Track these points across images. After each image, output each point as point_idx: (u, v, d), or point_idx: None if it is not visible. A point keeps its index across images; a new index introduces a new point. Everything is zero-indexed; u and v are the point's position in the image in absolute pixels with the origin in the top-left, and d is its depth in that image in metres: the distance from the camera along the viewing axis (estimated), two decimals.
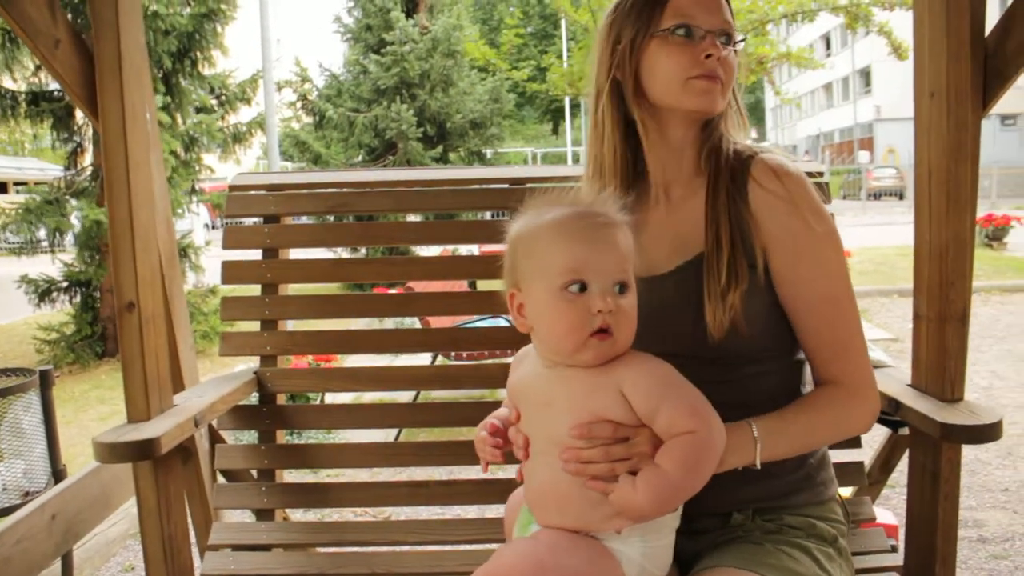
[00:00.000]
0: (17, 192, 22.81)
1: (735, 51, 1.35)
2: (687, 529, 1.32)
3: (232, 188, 2.22)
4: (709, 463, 1.13)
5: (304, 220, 2.52)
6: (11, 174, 26.93)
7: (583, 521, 1.16)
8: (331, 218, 3.40)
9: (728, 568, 1.22)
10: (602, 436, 1.13)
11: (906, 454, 1.80)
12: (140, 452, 1.57)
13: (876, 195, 28.56)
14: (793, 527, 1.31)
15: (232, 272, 2.15)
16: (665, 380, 1.14)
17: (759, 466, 1.23)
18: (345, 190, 2.25)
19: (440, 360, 4.47)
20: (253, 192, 2.20)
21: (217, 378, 2.14)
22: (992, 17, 1.62)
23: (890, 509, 2.86)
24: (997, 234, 13.05)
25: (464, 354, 4.39)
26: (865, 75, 39.31)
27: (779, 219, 1.29)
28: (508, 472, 2.06)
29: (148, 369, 1.71)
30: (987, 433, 1.48)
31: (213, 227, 23.19)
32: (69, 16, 1.79)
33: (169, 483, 1.69)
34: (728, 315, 1.25)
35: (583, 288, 1.12)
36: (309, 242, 2.25)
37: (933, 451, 1.60)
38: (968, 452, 1.76)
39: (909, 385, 1.74)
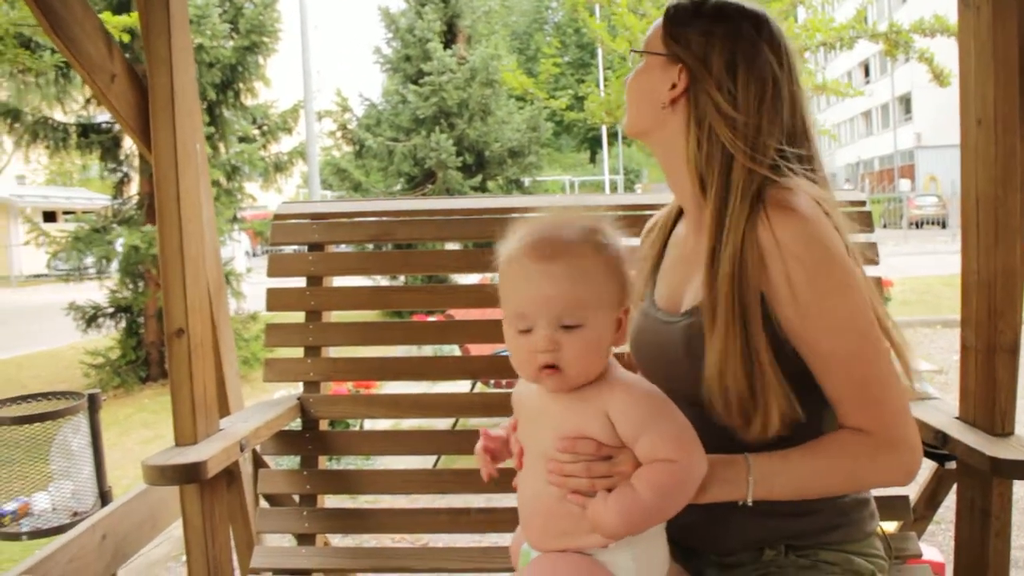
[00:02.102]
0: (66, 220, 23.38)
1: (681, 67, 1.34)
2: (719, 563, 1.31)
3: (277, 217, 2.26)
4: (684, 492, 1.13)
5: (344, 248, 2.54)
6: (60, 203, 27.58)
7: (565, 534, 1.17)
8: (370, 246, 3.43)
9: None
10: (585, 452, 1.13)
11: (953, 489, 1.77)
12: (188, 475, 1.60)
13: (918, 224, 28.18)
14: (829, 563, 1.28)
15: (276, 299, 2.19)
16: (651, 407, 1.15)
17: (751, 503, 1.20)
18: (387, 219, 2.28)
19: (479, 387, 4.48)
20: (298, 221, 2.24)
21: (261, 403, 2.17)
22: None
23: (935, 546, 2.80)
24: None
25: (503, 381, 4.39)
26: (905, 102, 39.00)
27: (778, 269, 1.21)
28: None
29: (196, 393, 1.75)
30: None
31: (254, 255, 23.54)
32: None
33: (215, 506, 1.71)
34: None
35: (529, 329, 1.14)
36: (352, 270, 2.28)
37: (982, 486, 1.57)
38: (1018, 488, 1.71)
39: (957, 418, 1.71)
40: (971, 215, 1.64)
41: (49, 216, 25.71)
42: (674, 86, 1.33)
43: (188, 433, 1.74)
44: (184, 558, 3.61)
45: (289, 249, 2.34)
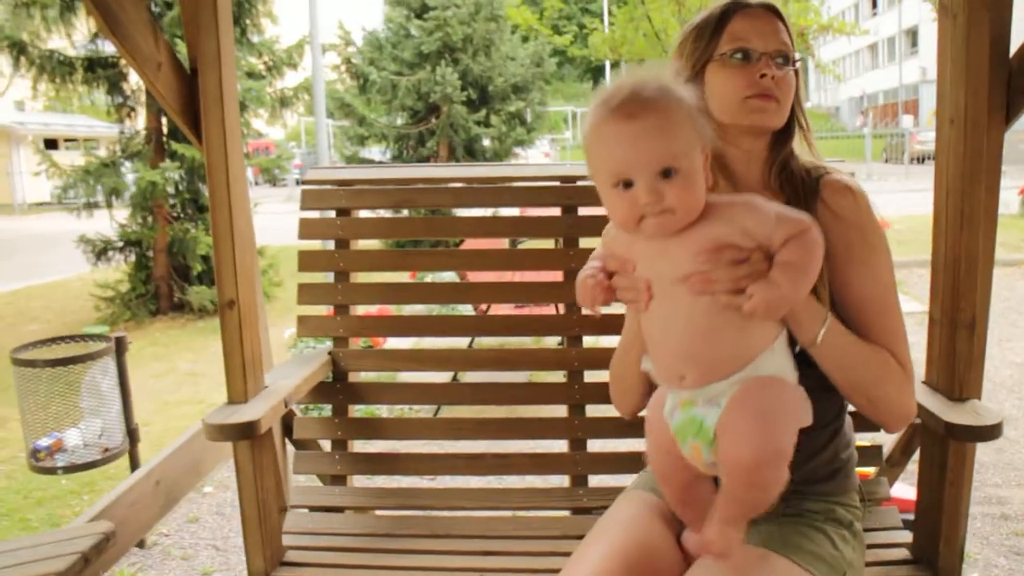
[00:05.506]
0: (67, 148, 23.22)
1: (795, 70, 1.47)
2: None
3: (305, 182, 2.41)
4: (820, 252, 1.26)
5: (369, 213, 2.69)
6: (62, 130, 27.40)
7: (735, 354, 1.26)
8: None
9: (744, 546, 1.33)
10: (727, 258, 1.24)
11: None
12: (242, 432, 1.83)
13: (920, 159, 27.87)
14: (813, 511, 1.45)
15: (308, 261, 2.36)
16: (763, 206, 1.27)
17: (819, 342, 1.35)
18: (409, 187, 2.43)
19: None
20: (325, 187, 2.39)
21: (295, 360, 2.37)
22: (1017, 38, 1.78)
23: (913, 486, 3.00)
24: None
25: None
26: (911, 36, 38.46)
27: (838, 233, 1.42)
28: (559, 448, 2.29)
29: (246, 358, 1.96)
30: (988, 433, 1.67)
31: (256, 184, 23.57)
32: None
33: (263, 455, 1.93)
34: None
35: (630, 184, 1.24)
36: (378, 234, 2.44)
37: (941, 445, 1.77)
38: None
39: (923, 382, 1.92)
40: (941, 204, 1.82)
41: (50, 143, 25.56)
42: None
43: (239, 393, 1.96)
44: (206, 489, 3.88)
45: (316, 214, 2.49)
